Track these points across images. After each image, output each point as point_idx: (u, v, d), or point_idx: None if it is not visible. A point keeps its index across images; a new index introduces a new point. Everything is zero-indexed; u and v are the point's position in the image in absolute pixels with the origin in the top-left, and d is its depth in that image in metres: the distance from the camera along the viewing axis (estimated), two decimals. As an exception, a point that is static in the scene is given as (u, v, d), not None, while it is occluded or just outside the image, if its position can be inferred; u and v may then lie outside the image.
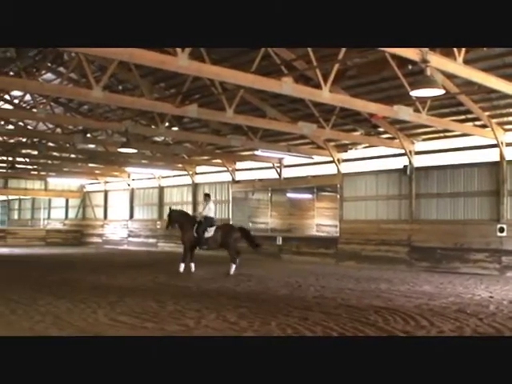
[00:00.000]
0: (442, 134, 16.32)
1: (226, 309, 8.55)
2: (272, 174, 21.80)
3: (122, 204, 29.58)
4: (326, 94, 10.68)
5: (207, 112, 13.22)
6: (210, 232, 14.36)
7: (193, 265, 14.65)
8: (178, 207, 26.21)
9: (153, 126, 17.33)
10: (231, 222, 22.93)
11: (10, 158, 23.95)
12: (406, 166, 17.09)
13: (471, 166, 15.93)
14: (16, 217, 39.93)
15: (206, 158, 23.06)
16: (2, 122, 20.56)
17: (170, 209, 15.68)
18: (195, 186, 25.36)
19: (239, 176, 23.31)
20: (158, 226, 26.88)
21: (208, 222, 14.54)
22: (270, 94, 14.33)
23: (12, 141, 22.15)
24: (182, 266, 14.40)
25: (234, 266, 14.19)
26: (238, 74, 9.78)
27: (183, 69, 9.01)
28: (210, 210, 14.81)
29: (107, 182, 30.84)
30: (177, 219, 14.97)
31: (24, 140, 22.12)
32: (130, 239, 28.73)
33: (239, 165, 23.26)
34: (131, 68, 13.48)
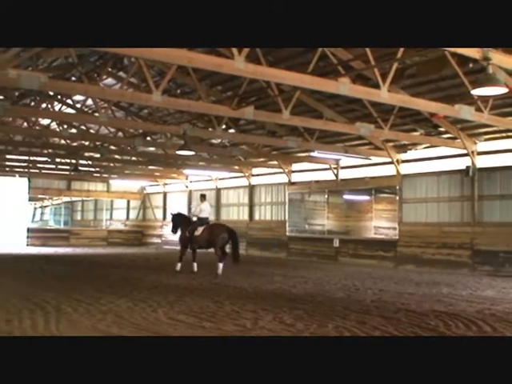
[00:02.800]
0: (504, 134, 15.82)
1: (282, 310, 8.55)
2: (329, 176, 21.66)
3: (181, 205, 30.01)
4: (384, 94, 10.52)
5: (263, 114, 13.27)
6: (199, 231, 14.54)
7: (195, 264, 14.68)
8: (235, 209, 26.62)
9: (210, 129, 17.49)
10: (287, 224, 22.99)
11: (74, 161, 24.70)
12: (468, 167, 16.63)
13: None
14: (79, 217, 41.16)
15: (262, 159, 23.12)
16: (66, 126, 21.21)
17: (171, 214, 15.93)
18: (251, 188, 25.48)
19: (295, 177, 23.27)
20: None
21: (200, 222, 14.76)
22: (326, 94, 14.26)
23: (75, 144, 22.87)
24: (179, 266, 14.66)
25: (221, 266, 14.17)
26: (295, 75, 9.77)
27: (240, 71, 9.07)
28: (203, 211, 14.98)
29: (166, 184, 31.39)
30: (176, 222, 15.25)
31: (87, 143, 22.82)
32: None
33: (295, 166, 23.21)
34: (189, 72, 13.66)
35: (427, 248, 17.74)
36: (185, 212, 15.49)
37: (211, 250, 14.79)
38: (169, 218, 17.26)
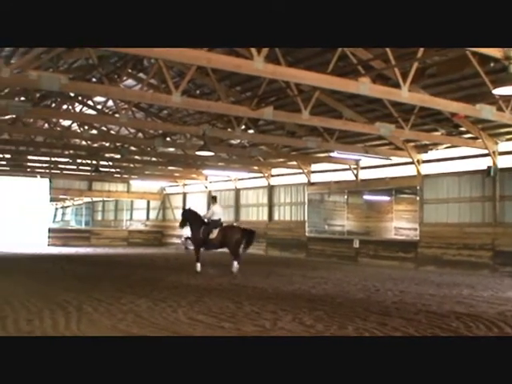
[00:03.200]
0: (526, 134, 15.65)
1: (302, 311, 8.52)
2: (348, 176, 21.56)
3: (200, 206, 30.07)
4: (404, 94, 10.44)
5: (283, 114, 13.25)
6: (214, 233, 14.68)
7: (198, 265, 14.77)
8: (254, 209, 26.63)
9: (229, 129, 17.53)
10: (306, 224, 22.94)
11: (94, 162, 24.93)
12: (489, 167, 16.43)
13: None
14: (100, 218, 41.51)
15: (281, 160, 23.11)
16: (86, 127, 21.37)
17: (184, 209, 15.96)
18: (271, 188, 25.47)
19: (315, 178, 23.21)
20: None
21: (213, 224, 14.86)
22: (346, 94, 14.19)
23: (96, 145, 23.05)
24: (198, 266, 14.73)
25: (235, 263, 14.34)
26: (314, 75, 9.73)
27: (259, 72, 9.06)
28: (215, 214, 15.10)
29: (186, 185, 31.51)
30: (188, 219, 15.40)
31: (107, 144, 22.99)
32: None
33: (315, 167, 23.14)
34: (209, 73, 13.69)
35: (448, 249, 17.57)
36: (197, 213, 15.58)
37: (225, 250, 14.94)
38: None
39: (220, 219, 15.21)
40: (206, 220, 15.13)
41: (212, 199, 15.81)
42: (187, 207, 16.67)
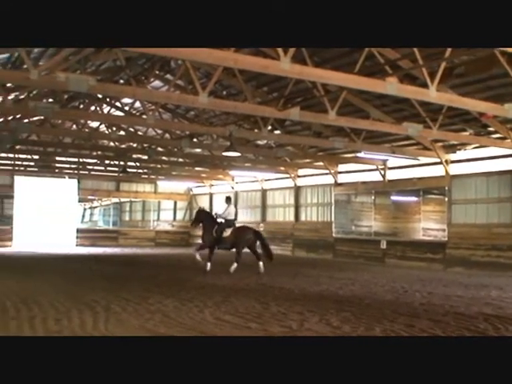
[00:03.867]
0: (556, 133, 15.36)
1: (329, 312, 8.49)
2: (376, 176, 21.42)
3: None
4: (432, 94, 10.34)
5: (309, 114, 13.21)
6: (227, 232, 14.96)
7: (209, 264, 14.80)
8: (281, 210, 26.62)
9: (256, 130, 17.55)
10: (333, 225, 22.84)
11: (122, 163, 25.17)
12: (518, 167, 16.21)
13: None
14: (127, 218, 41.87)
15: (308, 160, 23.05)
16: (114, 128, 21.61)
17: (199, 208, 16.62)
18: (297, 189, 25.42)
19: (341, 178, 23.11)
20: (261, 229, 27.19)
21: (227, 224, 15.12)
22: (373, 94, 14.09)
23: (123, 146, 23.26)
24: (209, 265, 14.76)
25: (235, 265, 14.48)
26: (341, 75, 9.69)
27: (286, 72, 9.06)
28: (230, 214, 15.40)
29: (212, 185, 31.62)
30: (202, 219, 15.54)
31: (135, 145, 23.19)
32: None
33: (341, 167, 23.04)
34: (235, 74, 13.72)
35: (476, 250, 17.36)
36: (211, 214, 16.08)
37: (249, 251, 15.13)
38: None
39: (233, 219, 15.55)
40: (219, 220, 15.35)
41: (226, 199, 16.04)
42: (201, 207, 16.97)
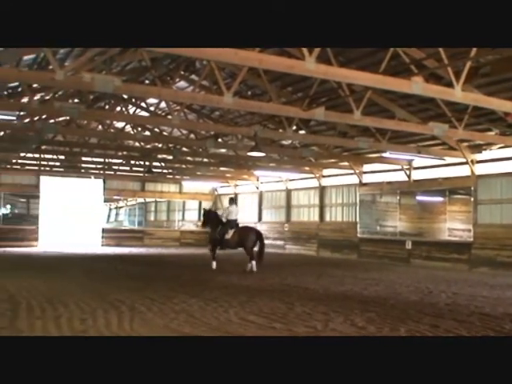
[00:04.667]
0: None
1: (353, 313, 8.48)
2: (401, 177, 21.27)
3: (251, 206, 30.23)
4: (458, 93, 10.25)
5: (334, 114, 13.18)
6: (229, 234, 15.29)
7: (214, 262, 15.58)
8: (305, 210, 26.57)
9: (280, 130, 17.55)
10: (358, 225, 22.74)
11: (147, 163, 25.36)
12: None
13: None
14: (152, 218, 42.12)
15: (333, 160, 22.97)
16: (139, 129, 21.79)
17: (205, 209, 17.15)
18: (322, 189, 25.36)
19: (367, 178, 22.99)
20: (286, 229, 27.22)
21: (230, 224, 15.51)
22: (398, 94, 13.99)
23: (148, 146, 23.44)
24: (214, 264, 15.58)
25: (253, 263, 14.98)
26: (366, 75, 9.66)
27: (311, 72, 9.06)
28: (231, 213, 15.72)
29: (237, 185, 31.69)
30: (208, 220, 16.09)
31: (160, 145, 23.35)
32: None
33: (367, 167, 22.93)
34: (260, 74, 13.74)
35: (502, 250, 17.17)
36: (217, 214, 16.52)
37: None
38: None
39: (236, 219, 15.84)
40: (223, 220, 15.63)
41: (230, 200, 16.47)
42: (208, 208, 17.37)
